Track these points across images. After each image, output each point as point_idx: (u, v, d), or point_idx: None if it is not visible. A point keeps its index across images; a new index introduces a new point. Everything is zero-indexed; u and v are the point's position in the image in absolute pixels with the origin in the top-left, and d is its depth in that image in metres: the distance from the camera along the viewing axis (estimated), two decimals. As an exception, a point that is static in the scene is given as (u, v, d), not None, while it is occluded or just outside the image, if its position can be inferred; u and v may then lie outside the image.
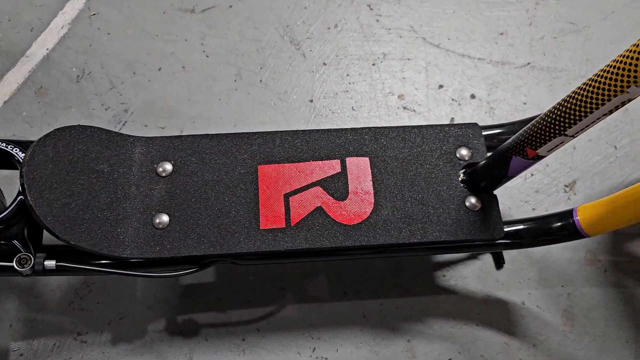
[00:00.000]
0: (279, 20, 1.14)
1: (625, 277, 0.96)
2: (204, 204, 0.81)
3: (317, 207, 0.82)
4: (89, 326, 0.92)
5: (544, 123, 0.68)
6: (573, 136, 0.68)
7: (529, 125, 0.72)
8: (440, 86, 1.10)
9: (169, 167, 0.83)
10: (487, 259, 0.97)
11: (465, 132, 0.88)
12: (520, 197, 1.01)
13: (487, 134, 0.89)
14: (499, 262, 0.95)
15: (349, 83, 1.10)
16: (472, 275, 0.97)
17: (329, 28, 1.14)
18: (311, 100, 1.09)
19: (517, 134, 0.74)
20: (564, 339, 0.92)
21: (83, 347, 0.90)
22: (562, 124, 0.66)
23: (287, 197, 0.82)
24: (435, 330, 0.92)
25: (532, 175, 1.03)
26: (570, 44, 1.14)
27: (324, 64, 1.12)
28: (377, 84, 1.10)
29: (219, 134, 0.86)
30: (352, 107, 1.08)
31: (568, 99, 0.65)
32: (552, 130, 0.68)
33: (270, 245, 0.79)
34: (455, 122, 1.05)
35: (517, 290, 0.95)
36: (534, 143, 0.71)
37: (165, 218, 0.80)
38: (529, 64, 1.12)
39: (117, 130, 1.03)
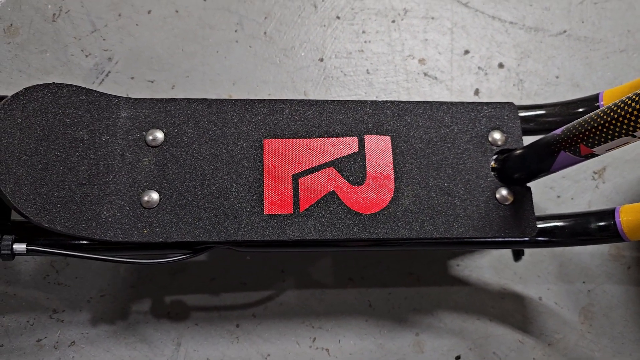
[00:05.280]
0: (287, -38, 1.00)
1: (649, 275, 0.90)
2: (199, 181, 0.70)
3: (330, 191, 0.72)
4: (66, 303, 0.83)
5: (608, 119, 0.58)
6: (640, 138, 0.58)
7: (586, 117, 0.62)
8: (466, 52, 0.98)
9: (160, 135, 0.72)
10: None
11: (500, 112, 0.77)
12: (546, 182, 0.93)
13: (524, 116, 0.78)
14: (518, 254, 0.87)
15: (365, 42, 0.97)
16: (488, 265, 0.89)
17: (344, -25, 1.00)
18: (321, 59, 0.96)
19: (569, 126, 0.64)
20: (581, 339, 0.86)
21: (59, 326, 0.82)
22: (632, 122, 0.56)
23: (296, 178, 0.72)
24: (445, 324, 0.85)
25: (560, 158, 0.94)
26: (611, 11, 1.02)
27: (338, 17, 0.98)
28: (397, 44, 0.97)
29: (219, 99, 0.74)
30: (367, 69, 0.96)
31: (645, 94, 0.55)
32: (617, 129, 0.58)
33: (275, 234, 0.69)
34: (481, 95, 0.94)
35: (535, 284, 0.88)
36: (590, 140, 0.61)
37: (155, 196, 0.69)
38: (565, 32, 1.00)
39: (100, 81, 0.91)
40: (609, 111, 0.59)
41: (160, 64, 0.94)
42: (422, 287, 0.87)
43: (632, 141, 0.59)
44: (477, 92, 0.96)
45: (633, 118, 0.56)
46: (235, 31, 0.96)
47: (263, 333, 0.83)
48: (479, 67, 0.97)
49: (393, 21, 0.99)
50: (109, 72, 0.92)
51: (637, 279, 0.89)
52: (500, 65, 0.98)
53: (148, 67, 0.93)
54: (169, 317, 0.83)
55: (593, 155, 0.63)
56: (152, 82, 0.93)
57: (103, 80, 0.92)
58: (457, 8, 1.00)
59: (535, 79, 0.97)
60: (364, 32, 0.98)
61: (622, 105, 0.57)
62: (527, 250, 0.89)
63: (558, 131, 0.66)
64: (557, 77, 0.98)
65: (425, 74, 0.96)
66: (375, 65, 0.96)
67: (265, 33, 0.97)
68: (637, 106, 0.55)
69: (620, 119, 0.57)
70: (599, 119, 0.60)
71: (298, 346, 0.83)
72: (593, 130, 0.60)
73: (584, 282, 0.89)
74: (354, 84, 0.95)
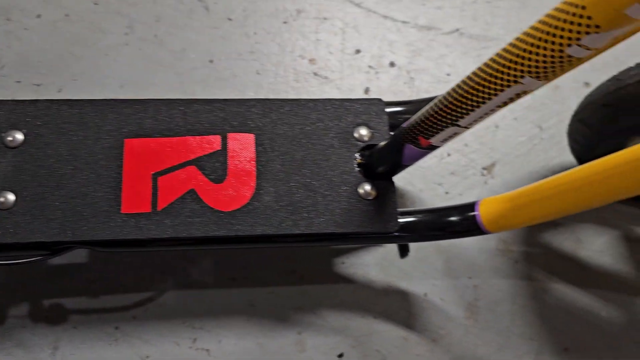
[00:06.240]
0: (182, -34, 1.00)
1: (536, 269, 0.90)
2: (56, 181, 0.70)
3: (190, 189, 0.72)
4: (-58, 309, 0.82)
5: (436, 110, 0.59)
6: (467, 127, 0.59)
7: (423, 109, 0.63)
8: (357, 51, 0.99)
9: (19, 136, 0.71)
10: (392, 246, 0.89)
11: (367, 108, 0.78)
12: (434, 178, 0.93)
13: (393, 111, 0.79)
14: (404, 250, 0.87)
15: (256, 43, 0.98)
16: (374, 263, 0.89)
17: (240, -23, 1.00)
18: (211, 61, 0.96)
19: (411, 120, 0.65)
20: (466, 334, 0.86)
21: None
22: (453, 113, 0.57)
23: (155, 177, 0.72)
24: (328, 322, 0.85)
25: (448, 155, 0.95)
26: (504, 10, 1.03)
27: (229, 19, 0.99)
28: (287, 45, 0.98)
29: (81, 99, 0.74)
30: (257, 70, 0.96)
31: (460, 85, 0.55)
32: (443, 120, 0.59)
33: (132, 232, 0.69)
34: (370, 93, 0.95)
35: (420, 280, 0.88)
36: (426, 131, 0.62)
37: (10, 197, 0.69)
38: (457, 30, 1.02)
39: (-15, 86, 0.90)
40: (438, 102, 0.59)
41: (48, 68, 0.93)
42: (305, 286, 0.87)
43: (460, 131, 0.59)
44: (367, 90, 0.96)
45: (454, 107, 0.56)
46: (126, 34, 0.97)
47: (143, 335, 0.82)
48: (369, 66, 0.98)
49: (285, 22, 0.99)
50: (-5, 76, 0.92)
51: (525, 273, 0.90)
52: (392, 64, 0.98)
53: (36, 71, 0.93)
54: (47, 321, 0.82)
55: (433, 147, 0.64)
56: (38, 85, 0.92)
57: (-12, 84, 0.92)
58: (349, 8, 1.01)
59: (426, 76, 0.98)
60: (255, 33, 0.98)
61: (447, 96, 0.58)
62: (413, 247, 0.89)
63: (405, 124, 0.67)
64: (448, 75, 0.99)
65: (315, 74, 0.97)
66: (265, 66, 0.96)
67: (156, 36, 0.97)
68: (456, 95, 0.56)
69: (445, 109, 0.58)
70: (431, 110, 0.60)
71: (178, 347, 0.82)
72: (426, 121, 0.61)
73: (469, 278, 0.89)
74: (243, 85, 0.95)
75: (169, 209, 0.70)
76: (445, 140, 0.62)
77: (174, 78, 0.95)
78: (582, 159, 0.89)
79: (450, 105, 0.57)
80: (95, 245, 0.70)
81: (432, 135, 0.61)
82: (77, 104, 0.74)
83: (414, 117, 0.64)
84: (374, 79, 0.97)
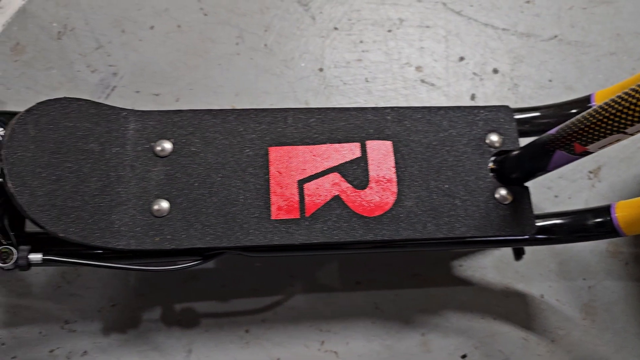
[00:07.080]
0: (285, -23, 1.03)
1: (647, 270, 0.92)
2: (208, 189, 0.73)
3: (335, 196, 0.74)
4: (78, 313, 0.84)
5: (600, 117, 0.61)
6: (632, 134, 0.60)
7: (579, 117, 0.64)
8: (461, 58, 1.01)
9: (168, 146, 0.74)
10: (507, 248, 0.91)
11: (496, 115, 0.80)
12: (544, 182, 0.95)
13: (519, 118, 0.81)
14: (519, 253, 0.89)
15: (363, 51, 1.00)
16: (490, 265, 0.91)
17: (340, -13, 1.03)
18: (321, 69, 0.99)
19: (563, 126, 0.67)
20: (584, 334, 0.88)
21: (72, 336, 0.83)
22: (623, 120, 0.59)
23: (301, 183, 0.74)
24: (451, 323, 0.87)
25: (556, 159, 0.96)
26: (600, 16, 1.05)
27: (335, 28, 1.01)
28: (393, 53, 1.00)
29: (224, 109, 0.77)
30: (366, 78, 0.98)
31: (633, 93, 0.57)
32: (609, 127, 0.60)
33: (284, 238, 0.71)
34: (477, 99, 0.97)
35: (537, 282, 0.90)
36: (584, 138, 0.63)
37: (165, 204, 0.71)
38: (556, 36, 1.03)
39: (106, 96, 0.93)
40: (600, 110, 0.61)
41: (164, 78, 0.96)
42: (427, 288, 0.89)
43: (623, 138, 0.61)
44: (473, 97, 0.98)
45: (623, 115, 0.58)
46: (237, 44, 0.99)
47: (272, 337, 0.85)
48: (474, 73, 1.00)
49: (389, 31, 1.02)
50: (115, 86, 0.95)
51: (635, 274, 0.92)
52: (495, 71, 1.00)
53: (152, 80, 0.96)
54: (180, 325, 0.85)
55: (587, 153, 0.66)
56: (157, 95, 0.95)
57: (109, 94, 0.94)
58: (450, 16, 1.03)
59: (529, 83, 1.00)
60: (361, 41, 1.01)
61: (613, 103, 0.59)
62: (527, 249, 0.91)
63: (553, 131, 0.69)
64: (550, 81, 1.01)
65: (423, 81, 0.99)
66: (373, 74, 0.99)
67: (265, 45, 0.99)
68: (627, 104, 0.58)
69: (612, 116, 0.59)
70: (591, 118, 0.62)
71: (307, 349, 0.84)
72: (586, 129, 0.63)
73: (584, 279, 0.91)
74: (353, 92, 0.97)
75: (317, 214, 0.73)
76: (603, 146, 0.64)
77: (287, 86, 0.97)
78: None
79: (619, 113, 0.58)
80: (247, 250, 0.73)
81: (592, 142, 0.63)
82: (220, 114, 0.76)
83: (568, 124, 0.66)
84: (479, 86, 0.99)
